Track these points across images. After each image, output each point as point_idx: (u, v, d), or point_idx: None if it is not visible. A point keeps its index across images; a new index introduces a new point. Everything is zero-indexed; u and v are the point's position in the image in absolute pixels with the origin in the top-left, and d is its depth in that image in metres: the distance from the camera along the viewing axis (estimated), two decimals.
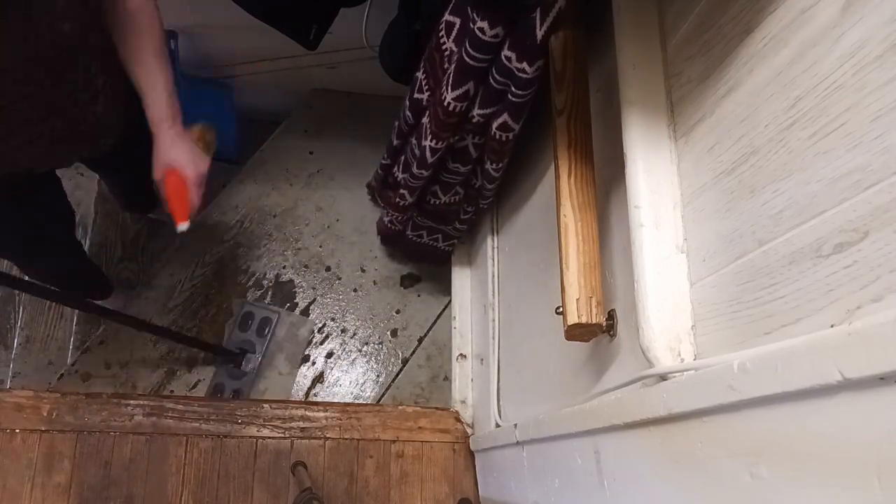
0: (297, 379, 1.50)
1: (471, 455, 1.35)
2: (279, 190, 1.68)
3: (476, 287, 1.48)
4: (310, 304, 1.58)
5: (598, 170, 0.75)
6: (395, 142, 1.22)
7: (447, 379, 1.53)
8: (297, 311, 1.57)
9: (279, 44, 1.20)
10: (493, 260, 1.30)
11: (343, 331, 1.57)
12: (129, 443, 1.24)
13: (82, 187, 1.95)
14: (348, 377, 1.53)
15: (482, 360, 1.37)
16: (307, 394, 1.50)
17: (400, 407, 1.40)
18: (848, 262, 0.41)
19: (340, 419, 1.35)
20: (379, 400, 1.52)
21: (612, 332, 0.73)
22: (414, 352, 1.58)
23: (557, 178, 0.74)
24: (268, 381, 1.48)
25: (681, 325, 0.58)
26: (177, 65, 1.25)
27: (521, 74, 0.82)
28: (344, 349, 1.55)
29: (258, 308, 1.37)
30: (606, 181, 0.78)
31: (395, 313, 1.60)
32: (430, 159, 1.06)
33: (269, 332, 1.37)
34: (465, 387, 1.44)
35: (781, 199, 0.48)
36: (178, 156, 0.92)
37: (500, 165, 1.04)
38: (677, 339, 0.58)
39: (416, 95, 1.07)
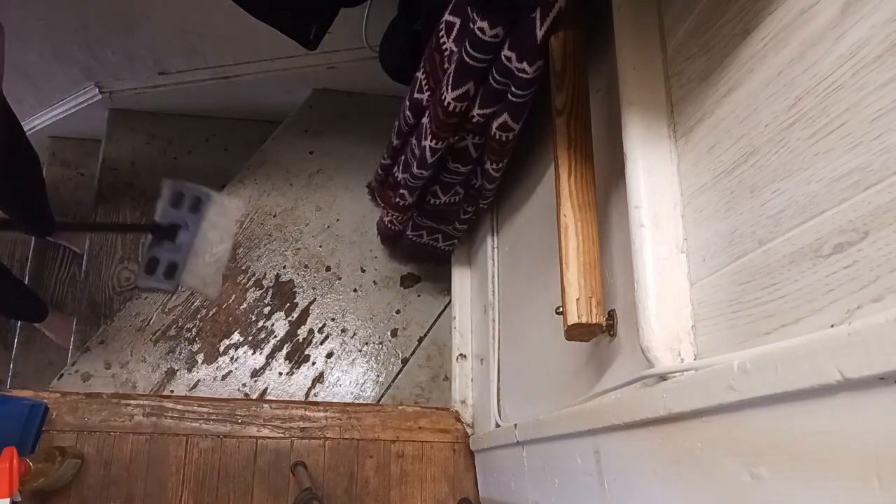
0: (296, 378, 1.50)
1: (471, 455, 1.35)
2: (279, 190, 1.68)
3: (476, 287, 1.48)
4: (310, 304, 1.58)
5: (598, 170, 0.75)
6: (395, 142, 1.22)
7: (447, 379, 1.53)
8: (297, 310, 1.57)
9: (279, 44, 1.20)
10: (493, 260, 1.30)
11: (343, 331, 1.57)
12: (129, 443, 1.24)
13: (83, 187, 1.95)
14: (348, 377, 1.53)
15: (482, 360, 1.37)
16: (307, 394, 1.50)
17: (400, 407, 1.40)
18: (848, 262, 0.41)
19: (340, 419, 1.35)
20: (379, 400, 1.52)
21: (612, 332, 0.73)
22: (414, 352, 1.58)
23: (557, 178, 0.74)
24: (267, 379, 1.49)
25: (681, 325, 0.58)
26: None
27: (521, 74, 0.82)
28: (344, 349, 1.55)
29: (188, 188, 1.36)
30: (606, 181, 0.78)
31: (395, 313, 1.60)
32: (430, 159, 1.06)
33: (200, 209, 1.37)
34: (465, 387, 1.44)
35: (781, 199, 0.48)
36: None
37: (500, 165, 1.04)
38: (677, 339, 0.58)
39: (416, 95, 1.07)
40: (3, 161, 1.02)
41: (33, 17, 1.49)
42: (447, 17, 0.93)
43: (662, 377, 0.56)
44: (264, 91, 1.80)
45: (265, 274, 1.59)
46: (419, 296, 1.63)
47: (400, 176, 1.24)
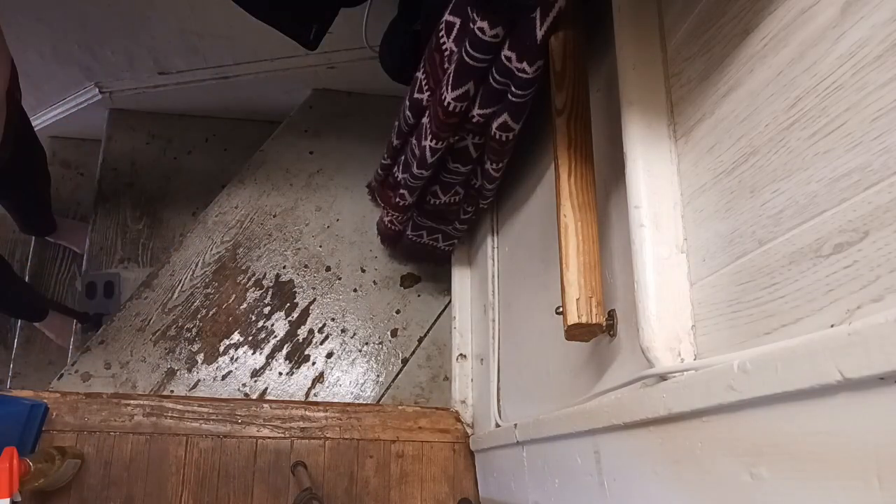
0: (296, 378, 1.50)
1: (471, 455, 1.35)
2: (279, 190, 1.68)
3: (476, 287, 1.48)
4: (310, 304, 1.58)
5: (598, 170, 0.75)
6: (395, 142, 1.22)
7: (447, 379, 1.53)
8: (297, 310, 1.57)
9: (279, 44, 1.20)
10: (493, 260, 1.30)
11: (343, 331, 1.57)
12: (129, 443, 1.24)
13: (83, 187, 1.95)
14: (348, 377, 1.53)
15: (482, 360, 1.37)
16: (307, 394, 1.50)
17: (400, 407, 1.40)
18: (848, 262, 0.41)
19: (340, 419, 1.34)
20: (379, 400, 1.52)
21: (612, 332, 0.73)
22: (414, 352, 1.58)
23: (557, 178, 0.74)
24: (267, 379, 1.48)
25: (681, 325, 0.58)
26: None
27: (521, 74, 0.82)
28: (344, 349, 1.55)
29: (98, 275, 1.45)
30: (606, 181, 0.78)
31: (395, 313, 1.60)
32: (430, 159, 1.06)
33: (116, 292, 1.46)
34: (465, 387, 1.44)
35: (781, 199, 0.48)
36: None
37: (500, 165, 1.04)
38: (677, 339, 0.58)
39: (416, 95, 1.07)
40: (12, 154, 1.05)
41: (33, 17, 1.49)
42: (447, 17, 0.93)
43: (662, 377, 0.56)
44: (264, 91, 1.80)
45: (265, 274, 1.59)
46: (419, 296, 1.63)
47: (400, 176, 1.24)
